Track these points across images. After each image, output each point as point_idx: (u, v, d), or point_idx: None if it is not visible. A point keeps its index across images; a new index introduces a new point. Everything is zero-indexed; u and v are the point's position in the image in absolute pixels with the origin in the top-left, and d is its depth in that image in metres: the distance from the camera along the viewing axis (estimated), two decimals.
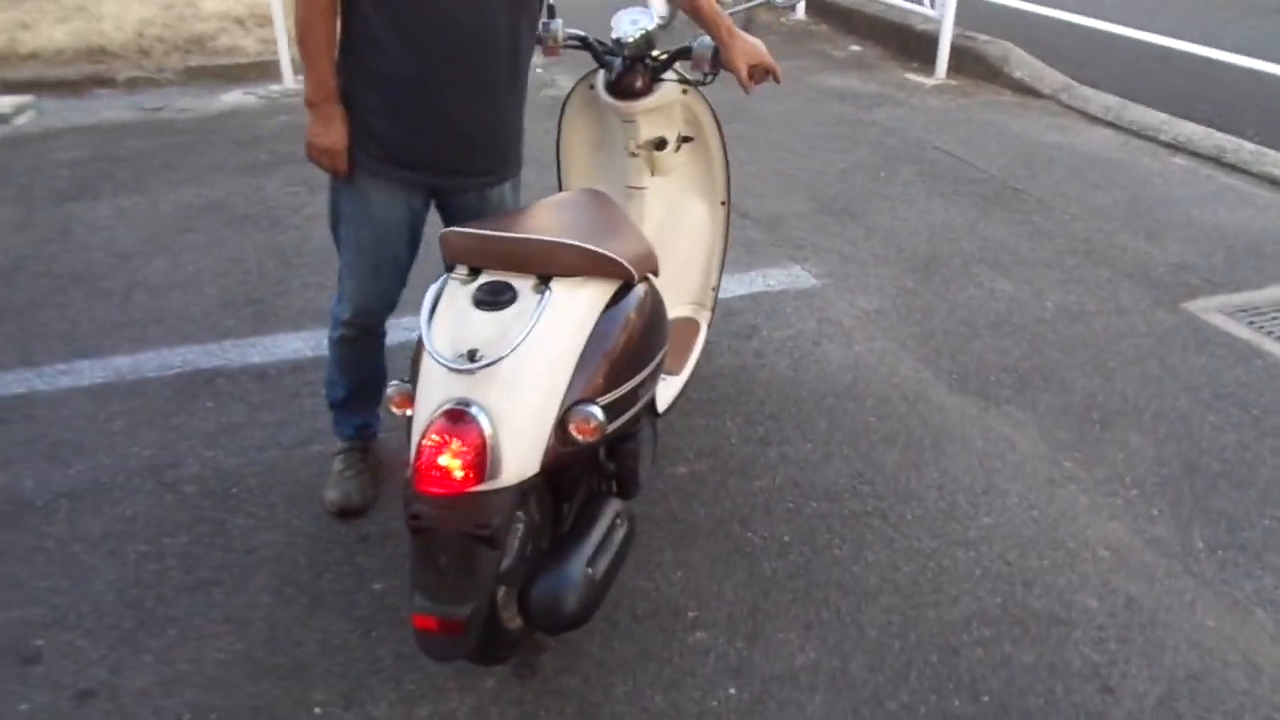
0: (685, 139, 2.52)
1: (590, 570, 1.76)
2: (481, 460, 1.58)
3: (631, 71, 2.35)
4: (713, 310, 2.72)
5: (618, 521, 1.91)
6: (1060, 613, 2.14)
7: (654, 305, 1.97)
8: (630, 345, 1.85)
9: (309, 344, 3.12)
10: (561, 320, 1.73)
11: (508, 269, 1.77)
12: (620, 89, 2.37)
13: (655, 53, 2.37)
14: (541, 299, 1.70)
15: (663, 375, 2.33)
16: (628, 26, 2.33)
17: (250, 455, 2.62)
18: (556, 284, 1.74)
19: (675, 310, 2.64)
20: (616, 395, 1.79)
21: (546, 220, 1.96)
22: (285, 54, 5.80)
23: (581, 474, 1.97)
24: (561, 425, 1.70)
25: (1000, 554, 2.31)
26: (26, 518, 2.39)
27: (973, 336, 3.25)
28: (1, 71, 6.01)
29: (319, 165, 2.12)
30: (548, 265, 1.75)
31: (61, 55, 6.39)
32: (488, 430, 1.60)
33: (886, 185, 4.52)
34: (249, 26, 6.84)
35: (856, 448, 2.68)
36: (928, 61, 6.42)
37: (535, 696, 1.93)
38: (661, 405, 2.16)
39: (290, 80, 5.84)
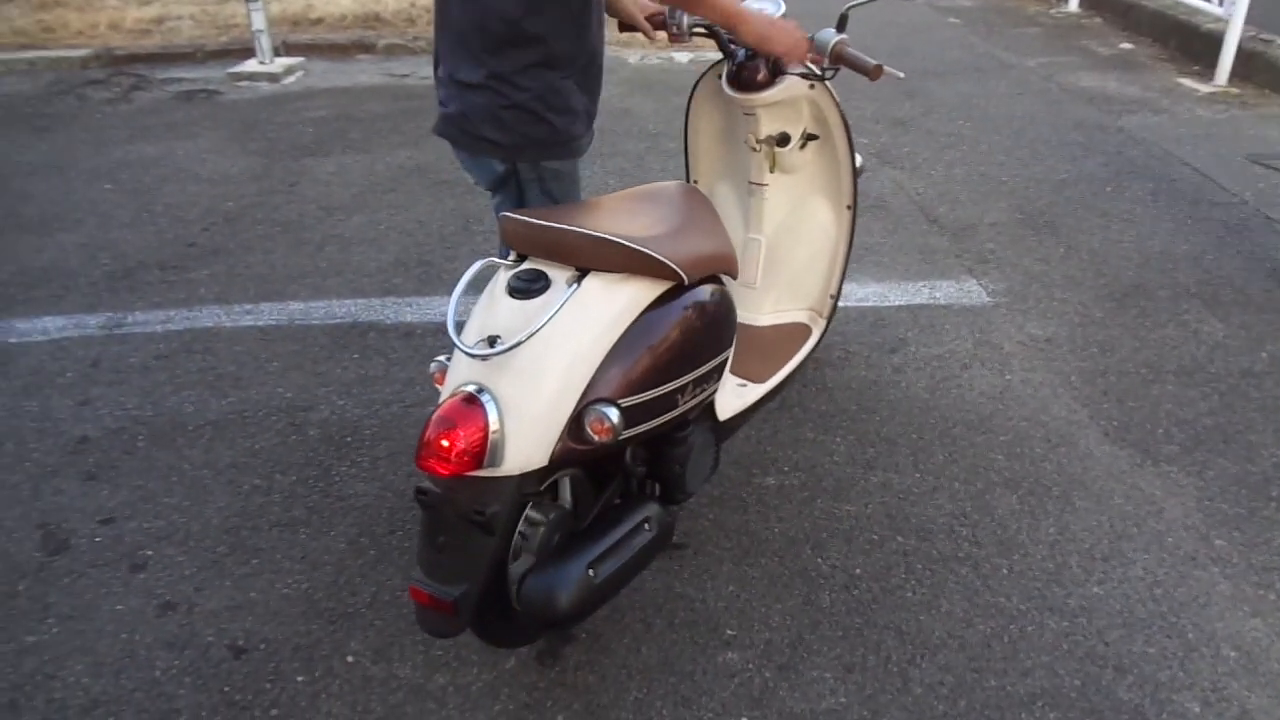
0: (811, 137, 2.39)
1: (592, 572, 1.73)
2: (482, 447, 1.59)
3: (752, 63, 2.25)
4: (829, 319, 2.57)
5: (645, 526, 1.86)
6: (1150, 710, 1.86)
7: (712, 310, 1.89)
8: (671, 349, 1.78)
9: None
10: (590, 315, 1.70)
11: (551, 258, 1.76)
12: (741, 81, 2.28)
13: None
14: (570, 291, 1.68)
15: (740, 382, 2.24)
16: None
17: (374, 408, 2.80)
18: (591, 278, 1.72)
19: (787, 315, 2.53)
20: (645, 398, 1.74)
21: (614, 212, 1.93)
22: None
23: (617, 471, 1.93)
24: (577, 421, 1.67)
25: (1100, 630, 2.04)
26: (177, 439, 2.68)
27: (1153, 381, 2.86)
28: (291, 34, 6.71)
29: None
30: (587, 259, 1.73)
31: (343, 21, 7.04)
32: (493, 418, 1.61)
33: (1110, 201, 4.06)
34: None
35: (970, 486, 2.45)
36: (1209, 65, 5.69)
37: (548, 686, 1.93)
38: (725, 413, 2.07)
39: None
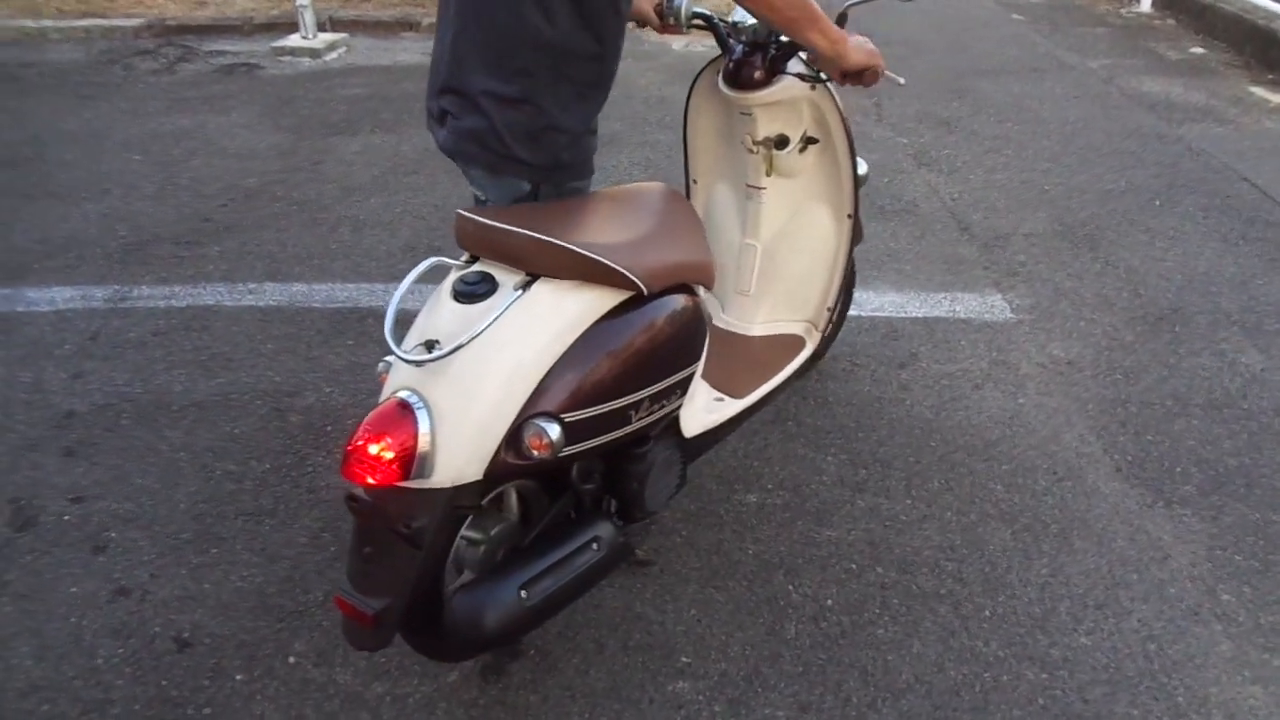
0: (811, 140, 2.26)
1: (524, 594, 1.65)
2: (409, 458, 1.51)
3: (749, 59, 2.13)
4: (824, 333, 2.44)
5: (593, 545, 1.78)
6: None
7: (677, 323, 1.78)
8: (626, 363, 1.68)
9: None
10: (535, 323, 1.61)
11: (502, 261, 1.67)
12: (738, 78, 2.16)
13: (784, 40, 2.13)
14: (514, 297, 1.59)
15: (716, 396, 2.13)
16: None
17: (359, 397, 2.74)
18: (540, 284, 1.63)
19: (781, 326, 2.41)
20: (592, 414, 1.65)
21: (579, 215, 1.83)
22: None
23: (566, 487, 1.84)
24: (517, 435, 1.59)
25: (1081, 686, 1.90)
26: (159, 419, 2.66)
27: (1178, 414, 2.68)
28: (339, 9, 6.70)
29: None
30: (537, 264, 1.63)
31: None
32: (424, 428, 1.53)
33: (1157, 216, 3.84)
34: None
35: (963, 518, 2.32)
36: None
37: (487, 704, 1.86)
38: (692, 430, 1.97)
39: None
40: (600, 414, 1.66)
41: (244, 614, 2.06)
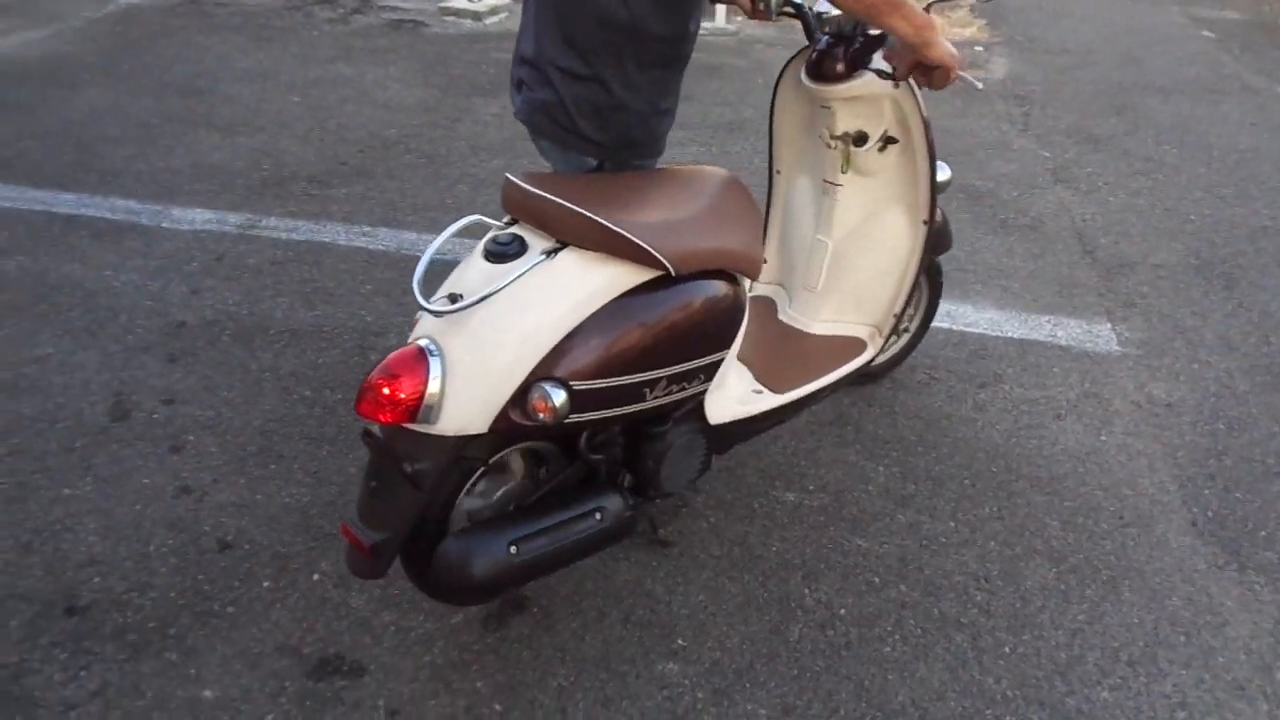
0: (890, 140, 2.19)
1: (514, 549, 1.69)
2: (417, 402, 1.58)
3: (832, 52, 2.09)
4: (887, 338, 2.37)
5: (596, 515, 1.81)
6: None
7: (707, 307, 1.77)
8: (644, 340, 1.70)
9: None
10: (556, 289, 1.64)
11: (536, 226, 1.71)
12: (820, 70, 2.12)
13: (869, 34, 2.07)
14: (537, 260, 1.63)
15: (756, 388, 2.11)
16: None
17: None
18: (567, 253, 1.66)
19: (845, 327, 2.36)
20: (603, 385, 1.67)
21: (625, 190, 1.84)
22: None
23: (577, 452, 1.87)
24: (524, 395, 1.63)
25: None
26: (256, 340, 2.85)
27: (1278, 474, 2.47)
28: None
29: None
30: (567, 232, 1.67)
31: None
32: (435, 375, 1.59)
33: None
34: None
35: (1007, 549, 2.22)
36: None
37: (481, 650, 1.93)
38: (718, 417, 1.95)
39: (722, 19, 6.00)
40: (611, 387, 1.69)
41: (285, 528, 2.19)
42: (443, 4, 6.15)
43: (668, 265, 1.68)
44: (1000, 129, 4.60)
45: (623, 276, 1.68)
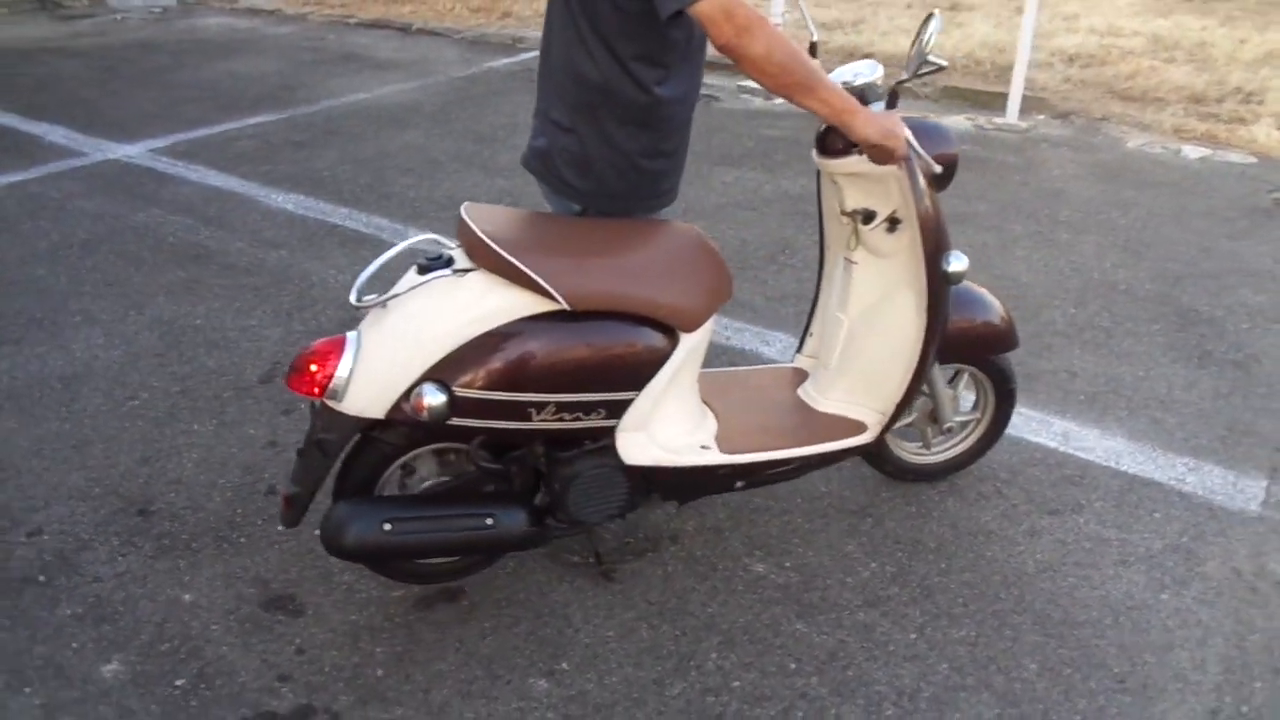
0: (896, 220, 2.12)
1: (388, 527, 1.90)
2: (326, 380, 1.85)
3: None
4: (888, 424, 2.25)
5: (486, 520, 1.97)
6: None
7: (608, 347, 1.88)
8: (534, 363, 1.84)
9: None
10: (458, 303, 1.85)
11: (465, 251, 1.93)
12: (824, 144, 2.13)
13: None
14: (445, 274, 1.86)
15: (705, 443, 2.12)
16: (847, 77, 2.07)
17: None
18: (476, 274, 1.87)
19: (849, 408, 2.30)
20: (487, 397, 1.83)
21: (569, 231, 2.01)
22: (1018, 90, 5.72)
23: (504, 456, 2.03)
24: (411, 393, 1.85)
25: None
26: None
27: None
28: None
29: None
30: (479, 258, 1.87)
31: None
32: (347, 360, 1.86)
33: None
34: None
35: (957, 676, 2.01)
36: None
37: (399, 623, 2.14)
38: (632, 458, 2.00)
39: (1014, 116, 5.75)
40: (495, 400, 1.85)
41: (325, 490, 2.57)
42: (741, 81, 6.52)
43: (559, 299, 1.82)
44: (1277, 257, 3.99)
45: (520, 302, 1.85)
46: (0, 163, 5.02)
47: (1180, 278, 3.80)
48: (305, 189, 4.69)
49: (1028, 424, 2.84)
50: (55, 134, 5.48)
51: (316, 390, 1.86)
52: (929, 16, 2.12)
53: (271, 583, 2.26)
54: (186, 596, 2.22)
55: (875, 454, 2.49)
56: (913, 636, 2.11)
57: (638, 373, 1.93)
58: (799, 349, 2.52)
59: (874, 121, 1.83)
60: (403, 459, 2.03)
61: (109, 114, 5.86)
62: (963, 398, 2.55)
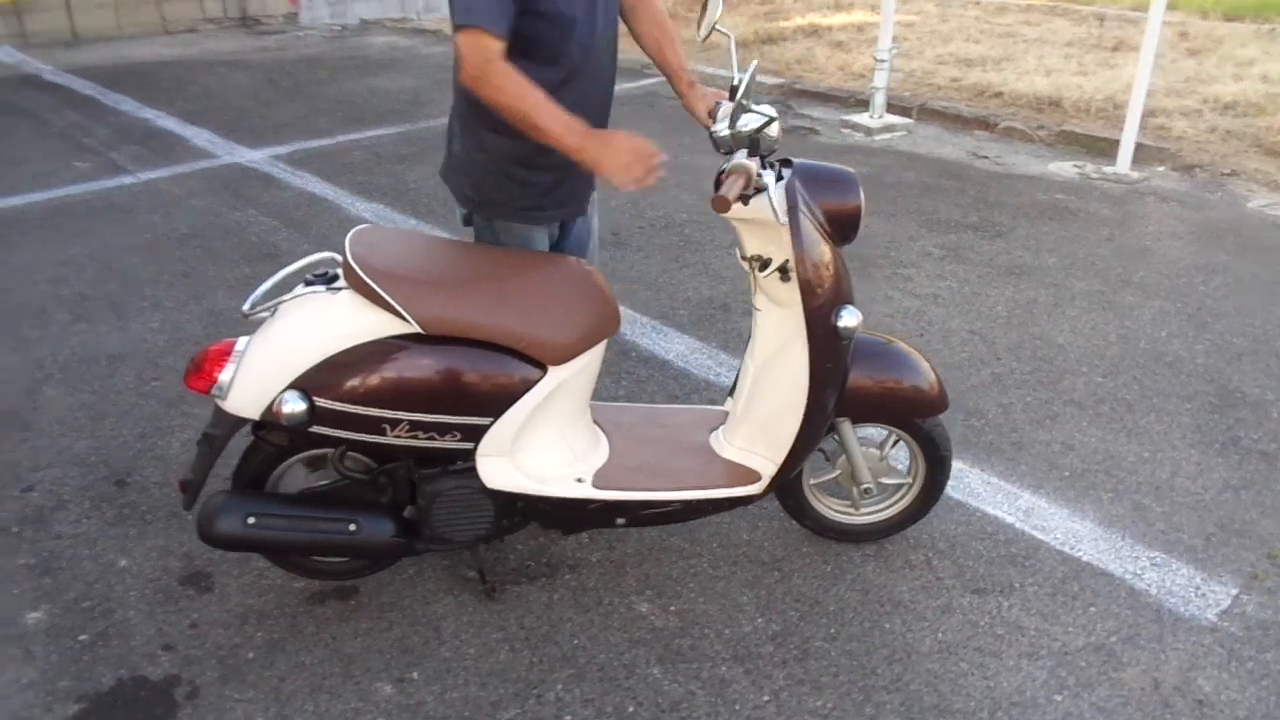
0: (788, 270, 2.07)
1: (252, 520, 2.04)
2: (211, 378, 2.02)
3: (729, 172, 2.07)
4: (777, 477, 2.19)
5: (349, 526, 2.08)
6: None
7: (459, 373, 1.95)
8: (389, 381, 1.93)
9: None
10: (325, 318, 1.97)
11: (344, 270, 2.05)
12: (718, 188, 2.11)
13: (764, 156, 2.05)
14: (318, 291, 1.99)
15: (580, 475, 2.15)
16: (726, 121, 2.05)
17: None
18: (346, 293, 1.98)
19: (748, 457, 2.27)
20: (343, 409, 1.95)
21: (449, 256, 2.11)
22: (1130, 138, 5.34)
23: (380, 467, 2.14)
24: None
25: None
26: None
27: None
28: (931, 98, 6.88)
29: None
30: (349, 278, 1.98)
31: (1020, 99, 6.91)
32: (232, 363, 2.02)
33: None
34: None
35: None
36: None
37: (288, 613, 2.27)
38: (492, 481, 2.04)
39: (1125, 165, 5.38)
40: (351, 412, 1.96)
41: None
42: (846, 116, 6.41)
43: (409, 320, 1.91)
44: None
45: (381, 323, 1.95)
46: (148, 160, 5.62)
47: (1241, 355, 3.46)
48: (388, 199, 4.99)
49: (992, 494, 2.69)
50: (201, 137, 6.07)
51: (205, 388, 2.02)
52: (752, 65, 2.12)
53: (196, 559, 2.45)
54: (122, 562, 2.44)
55: (794, 506, 2.44)
56: (765, 699, 2.05)
57: (494, 400, 1.99)
58: (730, 391, 2.50)
59: (614, 144, 1.87)
60: (295, 458, 2.17)
61: (253, 122, 6.43)
62: (896, 459, 2.45)
